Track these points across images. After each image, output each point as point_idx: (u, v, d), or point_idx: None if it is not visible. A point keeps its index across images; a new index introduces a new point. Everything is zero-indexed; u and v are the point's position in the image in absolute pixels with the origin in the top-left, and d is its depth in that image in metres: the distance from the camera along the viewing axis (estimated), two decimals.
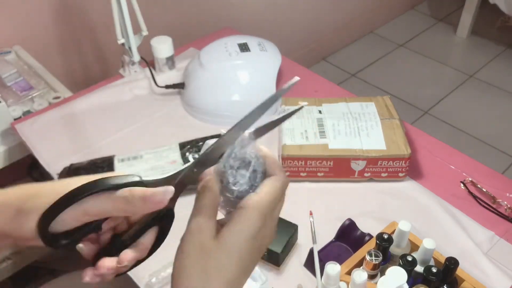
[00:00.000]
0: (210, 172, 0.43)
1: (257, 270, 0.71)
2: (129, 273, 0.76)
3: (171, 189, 0.41)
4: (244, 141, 0.43)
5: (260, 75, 1.07)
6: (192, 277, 0.40)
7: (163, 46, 1.15)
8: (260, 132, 0.44)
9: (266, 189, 0.42)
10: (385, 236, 0.69)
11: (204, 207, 0.42)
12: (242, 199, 0.42)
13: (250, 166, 0.43)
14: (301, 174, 0.90)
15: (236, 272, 0.41)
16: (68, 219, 0.40)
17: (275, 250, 0.74)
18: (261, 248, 0.43)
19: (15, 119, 1.09)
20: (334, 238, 0.79)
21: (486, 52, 2.42)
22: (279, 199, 0.43)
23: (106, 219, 0.43)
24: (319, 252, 0.71)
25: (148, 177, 0.42)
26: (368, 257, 0.67)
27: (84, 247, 0.42)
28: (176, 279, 0.41)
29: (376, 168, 0.89)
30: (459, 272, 0.69)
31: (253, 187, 0.43)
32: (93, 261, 0.42)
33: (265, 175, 0.44)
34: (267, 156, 0.44)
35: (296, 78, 0.44)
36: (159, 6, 1.57)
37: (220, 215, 0.44)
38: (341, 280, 0.66)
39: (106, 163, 0.85)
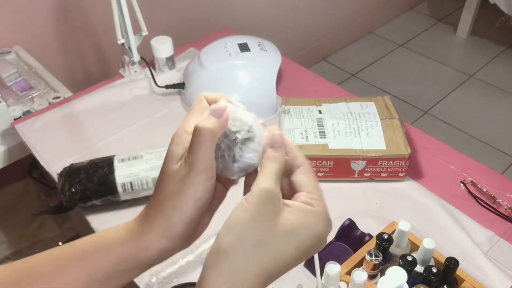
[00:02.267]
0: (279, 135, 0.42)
1: None
2: None
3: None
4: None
5: (260, 75, 1.07)
6: (238, 245, 0.37)
7: (163, 46, 1.15)
8: None
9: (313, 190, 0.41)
10: (385, 236, 0.69)
11: (276, 174, 0.39)
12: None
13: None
14: None
15: (277, 270, 0.38)
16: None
17: None
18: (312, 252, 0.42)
19: (15, 119, 1.09)
20: (334, 238, 0.79)
21: (486, 52, 2.42)
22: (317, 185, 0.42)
23: None
24: (319, 252, 0.71)
25: None
26: (368, 257, 0.67)
27: None
28: (218, 243, 0.37)
29: (376, 168, 0.89)
30: (459, 272, 0.69)
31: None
32: None
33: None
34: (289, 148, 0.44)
35: None
36: (159, 6, 1.57)
37: None
38: (341, 280, 0.66)
39: (106, 163, 0.85)
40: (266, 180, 0.39)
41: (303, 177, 0.42)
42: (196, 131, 0.39)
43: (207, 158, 0.39)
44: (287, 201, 0.40)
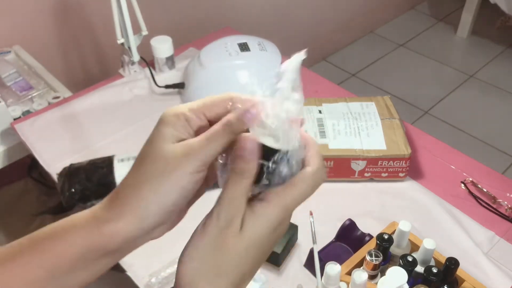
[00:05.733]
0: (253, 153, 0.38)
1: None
2: (129, 273, 0.77)
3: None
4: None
5: (260, 75, 1.07)
6: (201, 275, 0.37)
7: (163, 46, 1.15)
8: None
9: (298, 184, 0.39)
10: (386, 236, 0.69)
11: (239, 197, 0.37)
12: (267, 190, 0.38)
13: (288, 156, 0.39)
14: None
15: (247, 271, 0.38)
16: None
17: (275, 250, 0.74)
18: (274, 243, 0.40)
19: (14, 119, 1.09)
20: (334, 238, 0.79)
21: (486, 52, 2.42)
22: (307, 194, 0.40)
23: None
24: (319, 252, 0.71)
25: None
26: (368, 257, 0.67)
27: None
28: (181, 274, 0.37)
29: (376, 168, 0.89)
30: (459, 272, 0.69)
31: (287, 177, 0.39)
32: None
33: (303, 163, 0.40)
34: (308, 143, 0.41)
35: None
36: (159, 6, 1.57)
37: None
38: (341, 280, 0.66)
39: (106, 163, 0.85)
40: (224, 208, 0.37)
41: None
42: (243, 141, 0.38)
43: (217, 152, 0.38)
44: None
